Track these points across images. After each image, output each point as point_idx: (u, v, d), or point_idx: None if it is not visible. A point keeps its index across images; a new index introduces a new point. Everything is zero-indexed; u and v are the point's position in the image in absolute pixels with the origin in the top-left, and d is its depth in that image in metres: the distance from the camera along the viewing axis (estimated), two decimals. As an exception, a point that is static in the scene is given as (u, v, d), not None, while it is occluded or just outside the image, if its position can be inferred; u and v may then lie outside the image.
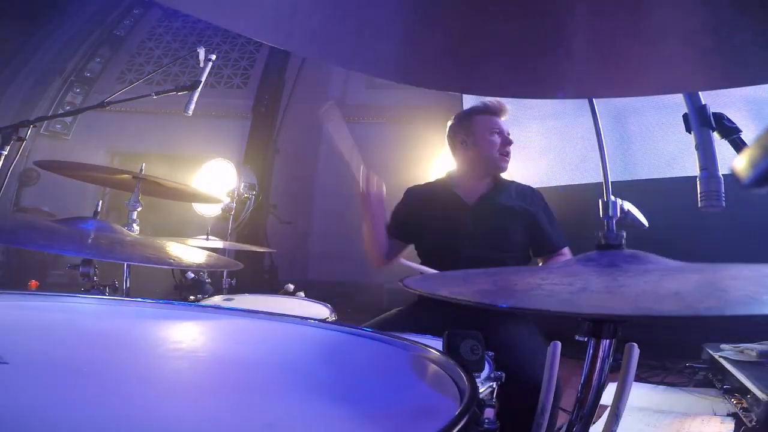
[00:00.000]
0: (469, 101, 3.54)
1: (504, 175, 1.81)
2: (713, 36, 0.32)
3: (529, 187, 1.84)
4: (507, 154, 1.74)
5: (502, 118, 1.77)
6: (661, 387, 2.41)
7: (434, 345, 0.74)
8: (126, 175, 1.64)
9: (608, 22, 0.33)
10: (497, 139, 1.72)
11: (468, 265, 1.03)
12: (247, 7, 0.29)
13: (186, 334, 0.86)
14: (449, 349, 0.72)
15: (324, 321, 0.94)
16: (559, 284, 0.60)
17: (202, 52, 2.03)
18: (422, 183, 1.93)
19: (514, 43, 0.35)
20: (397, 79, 0.40)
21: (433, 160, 4.30)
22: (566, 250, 1.72)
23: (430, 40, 0.36)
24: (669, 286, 0.55)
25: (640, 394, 2.23)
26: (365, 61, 0.38)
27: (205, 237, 2.41)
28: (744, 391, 1.83)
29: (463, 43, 0.36)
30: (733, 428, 1.77)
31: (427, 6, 0.34)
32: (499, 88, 0.43)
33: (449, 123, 1.86)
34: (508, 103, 1.81)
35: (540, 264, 1.74)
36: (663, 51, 0.34)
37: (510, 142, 1.74)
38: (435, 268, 1.53)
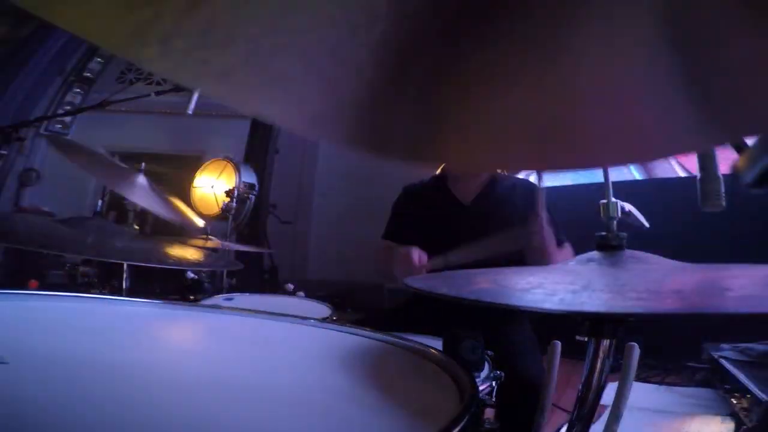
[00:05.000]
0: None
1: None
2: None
3: (527, 181, 1.81)
4: None
5: None
6: (661, 387, 2.41)
7: (434, 345, 0.74)
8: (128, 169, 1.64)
9: (605, 81, 0.32)
10: None
11: (465, 265, 1.03)
12: None
13: (186, 334, 0.86)
14: (449, 349, 0.72)
15: (324, 321, 0.94)
16: (561, 283, 0.60)
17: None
18: (417, 182, 1.89)
19: (532, 115, 0.34)
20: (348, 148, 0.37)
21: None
22: (567, 245, 1.70)
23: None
24: (670, 284, 0.55)
25: (640, 394, 2.23)
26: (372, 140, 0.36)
27: (205, 237, 2.41)
28: (744, 391, 1.83)
29: (477, 118, 0.35)
30: (733, 428, 1.77)
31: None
32: (521, 163, 0.42)
33: None
34: None
35: None
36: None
37: None
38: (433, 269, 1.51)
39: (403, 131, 0.35)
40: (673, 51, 0.28)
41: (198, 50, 0.26)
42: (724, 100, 0.29)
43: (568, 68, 0.31)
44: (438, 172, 1.87)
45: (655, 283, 0.57)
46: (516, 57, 0.31)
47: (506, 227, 1.63)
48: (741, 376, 1.83)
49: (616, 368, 0.65)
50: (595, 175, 3.69)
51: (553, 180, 3.90)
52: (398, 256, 1.52)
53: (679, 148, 0.41)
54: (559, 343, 0.72)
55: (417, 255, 1.46)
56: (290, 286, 2.24)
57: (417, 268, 1.45)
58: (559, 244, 1.68)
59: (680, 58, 0.28)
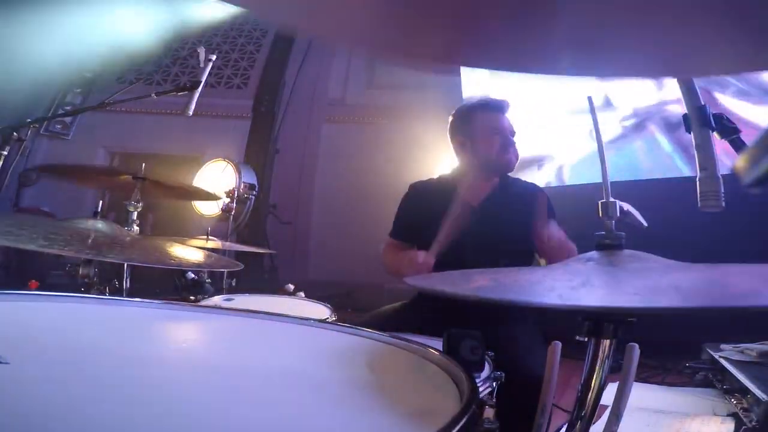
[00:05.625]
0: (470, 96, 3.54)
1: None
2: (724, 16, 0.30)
3: (533, 185, 1.80)
4: (509, 153, 1.67)
5: (505, 115, 1.70)
6: (661, 387, 2.41)
7: (434, 345, 0.74)
8: (126, 176, 1.64)
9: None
10: (497, 140, 1.66)
11: (473, 266, 1.03)
12: None
13: (186, 334, 0.86)
14: (449, 349, 0.72)
15: (324, 321, 0.94)
16: (560, 280, 0.60)
17: (202, 52, 2.03)
18: (426, 179, 1.87)
19: (510, 11, 0.33)
20: (382, 54, 0.38)
21: (434, 160, 4.30)
22: (572, 246, 1.69)
23: (419, 9, 0.34)
24: (670, 282, 0.55)
25: (640, 394, 2.23)
26: (344, 31, 0.36)
27: (205, 237, 2.41)
28: (744, 391, 1.82)
29: (455, 12, 0.34)
30: (733, 428, 1.77)
31: None
32: (494, 59, 0.41)
33: (450, 118, 1.81)
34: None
35: (542, 263, 1.73)
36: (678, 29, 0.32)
37: (511, 143, 1.67)
38: (439, 269, 1.51)
39: (384, 26, 0.35)
40: None
41: None
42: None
43: None
44: (448, 173, 1.86)
45: (655, 280, 0.57)
46: None
47: (515, 228, 1.63)
48: (741, 376, 1.83)
49: (616, 368, 0.65)
50: (594, 175, 3.69)
51: (552, 180, 3.91)
52: (405, 260, 1.52)
53: (718, 68, 0.41)
54: (559, 344, 0.72)
55: (423, 258, 1.46)
56: (290, 287, 2.24)
57: (421, 268, 1.46)
58: None
59: None
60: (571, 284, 0.56)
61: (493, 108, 1.71)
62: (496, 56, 0.39)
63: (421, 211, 1.75)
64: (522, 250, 1.67)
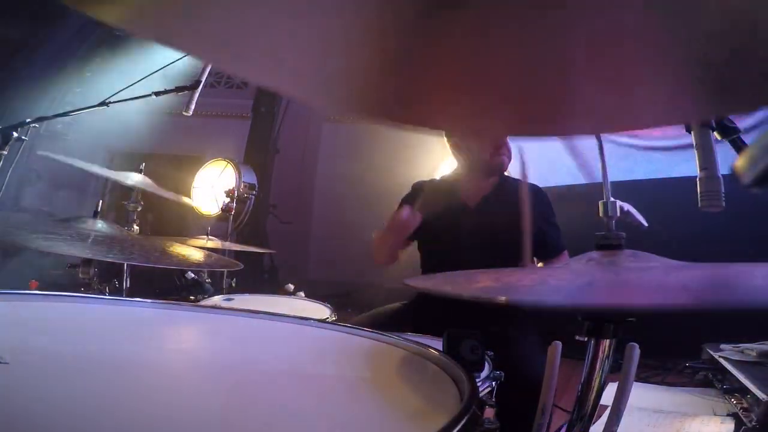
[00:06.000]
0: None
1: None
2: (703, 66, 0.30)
3: (534, 185, 1.81)
4: (502, 153, 1.69)
5: None
6: (661, 387, 2.41)
7: (434, 345, 0.74)
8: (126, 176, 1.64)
9: (607, 48, 0.32)
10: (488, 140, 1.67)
11: (471, 267, 1.03)
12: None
13: (186, 334, 0.86)
14: (449, 349, 0.72)
15: (324, 321, 0.94)
16: (564, 280, 0.60)
17: (202, 52, 2.03)
18: (428, 180, 1.90)
19: (517, 80, 0.34)
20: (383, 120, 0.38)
21: (434, 160, 4.30)
22: (565, 255, 1.70)
23: (421, 76, 0.34)
24: (675, 280, 0.55)
25: (640, 394, 2.23)
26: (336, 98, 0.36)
27: (205, 237, 2.41)
28: (744, 391, 1.83)
29: (463, 82, 0.35)
30: (733, 428, 1.77)
31: (421, 40, 0.33)
32: (503, 128, 0.42)
33: None
34: None
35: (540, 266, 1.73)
36: (667, 80, 0.33)
37: (503, 143, 1.68)
38: (436, 269, 1.51)
39: (390, 95, 0.36)
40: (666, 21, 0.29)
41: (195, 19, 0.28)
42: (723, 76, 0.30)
43: (557, 34, 0.31)
44: (449, 174, 1.87)
45: (660, 279, 0.57)
46: (501, 19, 0.31)
47: (512, 228, 1.63)
48: (741, 376, 1.83)
49: (616, 368, 0.65)
50: (594, 175, 3.69)
51: (553, 180, 3.90)
52: (390, 221, 1.57)
53: (672, 118, 0.41)
54: (559, 344, 0.72)
55: (407, 213, 1.48)
56: (290, 286, 2.24)
57: (405, 223, 1.51)
58: (558, 250, 1.68)
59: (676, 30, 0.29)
60: (576, 284, 0.56)
61: None
62: (508, 125, 0.40)
63: (420, 210, 1.75)
64: (518, 249, 1.67)
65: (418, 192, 1.81)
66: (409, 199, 1.83)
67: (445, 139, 1.82)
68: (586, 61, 0.32)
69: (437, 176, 1.96)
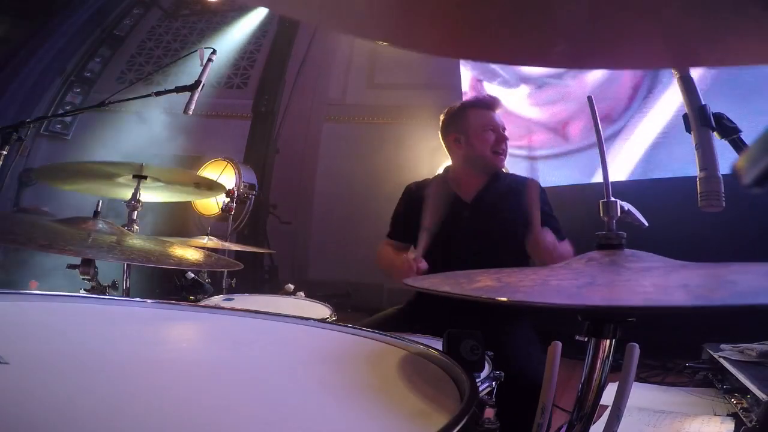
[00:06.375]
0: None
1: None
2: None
3: (526, 178, 1.82)
4: (502, 152, 1.70)
5: (496, 112, 1.72)
6: (661, 387, 2.41)
7: (434, 345, 0.74)
8: (126, 176, 1.64)
9: None
10: (491, 136, 1.68)
11: (466, 262, 1.03)
12: None
13: (186, 334, 0.86)
14: (449, 349, 0.72)
15: (324, 321, 0.94)
16: (565, 280, 0.60)
17: (202, 52, 2.03)
18: (421, 180, 1.88)
19: (509, 5, 0.34)
20: (383, 38, 0.39)
21: (434, 160, 4.30)
22: (566, 242, 1.70)
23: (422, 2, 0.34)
24: (676, 280, 0.55)
25: (640, 394, 2.23)
26: (347, 19, 0.36)
27: (205, 237, 2.41)
28: (744, 391, 1.83)
29: (457, 5, 0.34)
30: (733, 428, 1.77)
31: None
32: (492, 53, 0.41)
33: (441, 117, 1.82)
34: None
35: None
36: (658, 23, 0.32)
37: (505, 139, 1.69)
38: (433, 264, 1.51)
39: (385, 15, 0.36)
40: None
41: None
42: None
43: None
44: (440, 171, 1.87)
45: (660, 279, 0.57)
46: None
47: (507, 223, 1.63)
48: (741, 376, 1.83)
49: (616, 368, 0.65)
50: (594, 175, 3.69)
51: (553, 180, 3.91)
52: (399, 263, 1.53)
53: (654, 62, 0.41)
54: (559, 344, 0.72)
55: (415, 262, 1.46)
56: (290, 287, 2.24)
57: (413, 269, 1.46)
58: (558, 239, 1.68)
59: None
60: (577, 284, 0.56)
61: (485, 105, 1.73)
62: (493, 49, 0.39)
63: (417, 211, 1.76)
64: (516, 244, 1.67)
65: (412, 195, 1.81)
66: (402, 204, 1.82)
67: (441, 135, 1.82)
68: None
69: (431, 177, 1.95)
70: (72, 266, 1.25)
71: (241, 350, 0.77)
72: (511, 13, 0.34)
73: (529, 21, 0.34)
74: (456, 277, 0.75)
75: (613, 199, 0.80)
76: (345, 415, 0.51)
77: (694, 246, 2.01)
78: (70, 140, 5.49)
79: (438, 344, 0.75)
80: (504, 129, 1.72)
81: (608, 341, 0.63)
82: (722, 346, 2.24)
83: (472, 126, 1.70)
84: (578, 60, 0.41)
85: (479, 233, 1.65)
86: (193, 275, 2.84)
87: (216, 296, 2.09)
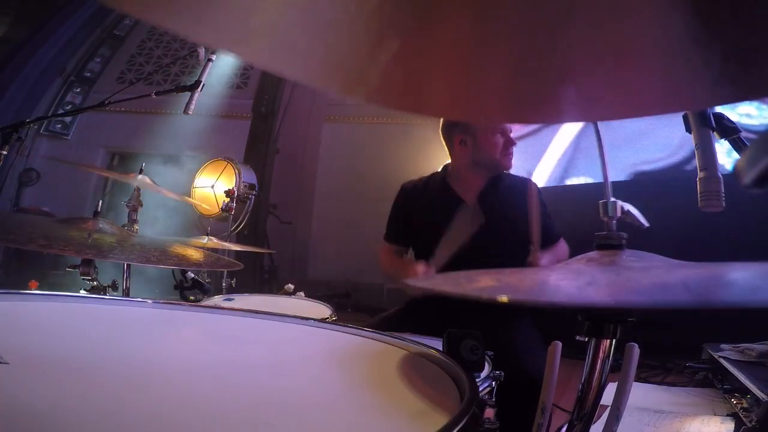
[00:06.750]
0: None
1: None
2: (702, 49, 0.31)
3: (523, 178, 1.82)
4: (510, 151, 1.69)
5: None
6: (661, 387, 2.41)
7: (434, 345, 0.74)
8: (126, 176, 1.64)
9: (606, 36, 0.32)
10: (500, 139, 1.67)
11: (466, 263, 1.02)
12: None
13: (186, 334, 0.86)
14: (449, 349, 0.72)
15: (324, 321, 0.94)
16: (565, 279, 0.60)
17: (202, 51, 2.03)
18: (416, 179, 1.86)
19: (514, 66, 0.34)
20: (393, 105, 0.39)
21: (434, 159, 4.30)
22: (562, 242, 1.70)
23: (424, 63, 0.35)
24: (676, 280, 0.55)
25: (640, 394, 2.23)
26: (357, 87, 0.37)
27: (205, 237, 2.41)
28: (744, 391, 1.83)
29: (462, 68, 0.35)
30: (733, 428, 1.77)
31: (420, 25, 0.33)
32: (499, 113, 0.41)
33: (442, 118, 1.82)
34: None
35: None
36: (660, 67, 0.33)
37: (513, 143, 1.68)
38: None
39: (390, 81, 0.36)
40: (689, 8, 0.29)
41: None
42: (743, 59, 0.29)
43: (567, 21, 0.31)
44: (439, 170, 1.86)
45: (660, 279, 0.57)
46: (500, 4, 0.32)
47: (509, 224, 1.63)
48: (741, 376, 1.83)
49: (616, 368, 0.65)
50: (594, 175, 3.69)
51: (553, 180, 3.91)
52: (407, 271, 1.52)
53: (670, 106, 0.41)
54: (559, 344, 0.72)
55: (423, 271, 1.45)
56: (290, 286, 2.23)
57: (419, 277, 1.45)
58: (554, 239, 1.68)
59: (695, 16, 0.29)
60: (577, 283, 0.56)
61: None
62: (500, 110, 0.40)
63: (413, 212, 1.75)
64: (517, 242, 1.66)
65: (408, 196, 1.79)
66: (400, 205, 1.81)
67: (444, 136, 1.81)
68: (584, 47, 0.32)
69: (433, 174, 1.94)
70: (72, 266, 1.25)
71: (241, 350, 0.77)
72: (514, 76, 0.35)
73: (536, 77, 0.35)
74: (456, 277, 0.75)
75: (612, 199, 0.80)
76: (344, 415, 0.51)
77: (694, 246, 2.01)
78: (70, 140, 5.50)
79: (438, 344, 0.75)
80: (511, 131, 1.70)
81: (608, 341, 0.63)
82: (722, 346, 2.24)
83: (480, 129, 1.69)
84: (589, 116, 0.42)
85: (482, 233, 1.64)
86: (193, 275, 2.84)
87: (216, 296, 2.09)
